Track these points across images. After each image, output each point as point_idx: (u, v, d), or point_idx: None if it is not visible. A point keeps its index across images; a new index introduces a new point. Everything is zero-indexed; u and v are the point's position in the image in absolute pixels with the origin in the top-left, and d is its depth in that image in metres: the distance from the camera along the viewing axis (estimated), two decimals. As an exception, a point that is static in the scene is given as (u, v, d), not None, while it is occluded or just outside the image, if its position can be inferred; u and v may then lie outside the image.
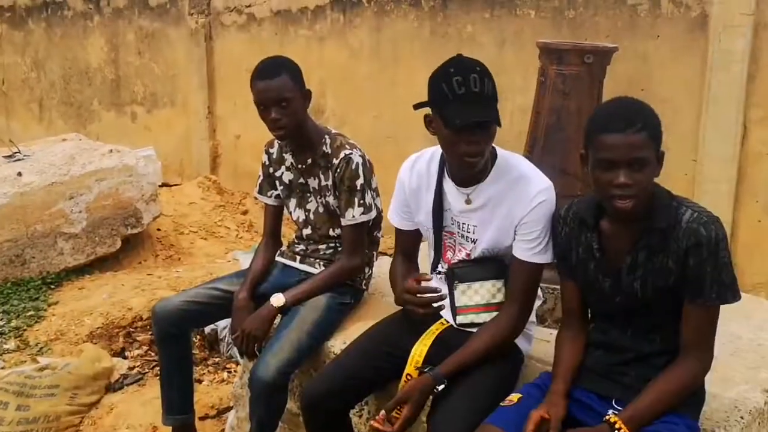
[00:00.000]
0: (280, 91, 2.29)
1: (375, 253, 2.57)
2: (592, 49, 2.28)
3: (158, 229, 4.82)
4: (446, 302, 2.04)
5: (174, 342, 2.50)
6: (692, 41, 4.33)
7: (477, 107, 1.79)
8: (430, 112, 1.91)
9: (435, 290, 1.96)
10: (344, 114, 5.63)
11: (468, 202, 1.99)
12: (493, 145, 2.00)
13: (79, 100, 7.52)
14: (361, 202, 2.37)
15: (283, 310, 2.37)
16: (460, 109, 1.78)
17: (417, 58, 5.16)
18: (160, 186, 4.81)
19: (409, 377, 1.95)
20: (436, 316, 2.05)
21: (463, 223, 2.02)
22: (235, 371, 3.35)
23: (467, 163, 1.88)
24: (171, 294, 3.86)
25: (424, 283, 1.97)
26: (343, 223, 2.41)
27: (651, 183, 1.66)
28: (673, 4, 4.41)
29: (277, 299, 2.37)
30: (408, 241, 2.19)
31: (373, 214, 2.43)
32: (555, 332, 2.41)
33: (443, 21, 5.07)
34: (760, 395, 2.00)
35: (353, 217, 2.38)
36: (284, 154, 2.52)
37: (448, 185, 2.02)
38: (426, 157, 2.09)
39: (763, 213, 4.13)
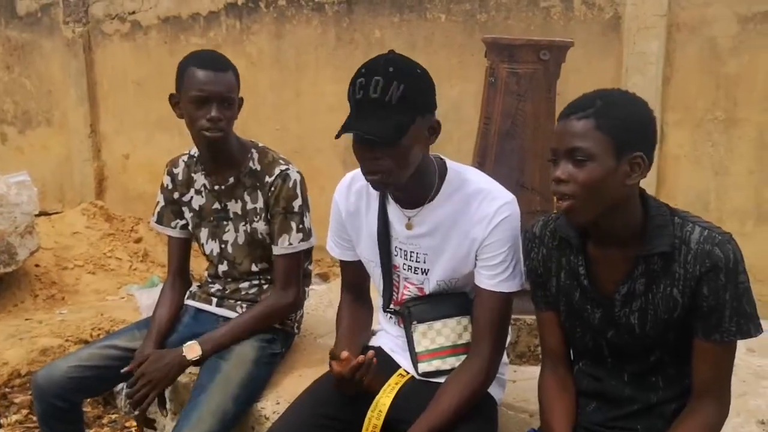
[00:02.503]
0: (229, 87, 1.94)
1: (307, 289, 2.20)
2: (547, 44, 2.02)
3: (37, 266, 4.25)
4: (403, 347, 1.71)
5: (62, 418, 1.99)
6: (606, 44, 4.28)
7: (367, 116, 1.47)
8: None
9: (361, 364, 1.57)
10: (245, 127, 5.17)
11: (409, 227, 1.67)
12: (443, 157, 1.70)
13: (-62, 122, 6.77)
14: (300, 227, 2.01)
15: (200, 363, 1.94)
16: (350, 116, 1.50)
17: (322, 66, 4.90)
18: (37, 215, 4.24)
19: (367, 448, 1.59)
20: (392, 366, 1.70)
21: (410, 252, 1.69)
22: None
23: (370, 182, 1.57)
24: (55, 341, 3.37)
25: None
26: (276, 252, 2.02)
27: (603, 188, 1.34)
28: (585, 6, 4.34)
29: (191, 350, 1.92)
30: (354, 274, 1.85)
31: (313, 241, 2.07)
32: (519, 368, 2.14)
33: (349, 26, 4.80)
34: (756, 428, 1.80)
35: (290, 244, 2.00)
36: (194, 174, 2.11)
37: (392, 207, 1.70)
38: None
39: (685, 216, 4.07)
